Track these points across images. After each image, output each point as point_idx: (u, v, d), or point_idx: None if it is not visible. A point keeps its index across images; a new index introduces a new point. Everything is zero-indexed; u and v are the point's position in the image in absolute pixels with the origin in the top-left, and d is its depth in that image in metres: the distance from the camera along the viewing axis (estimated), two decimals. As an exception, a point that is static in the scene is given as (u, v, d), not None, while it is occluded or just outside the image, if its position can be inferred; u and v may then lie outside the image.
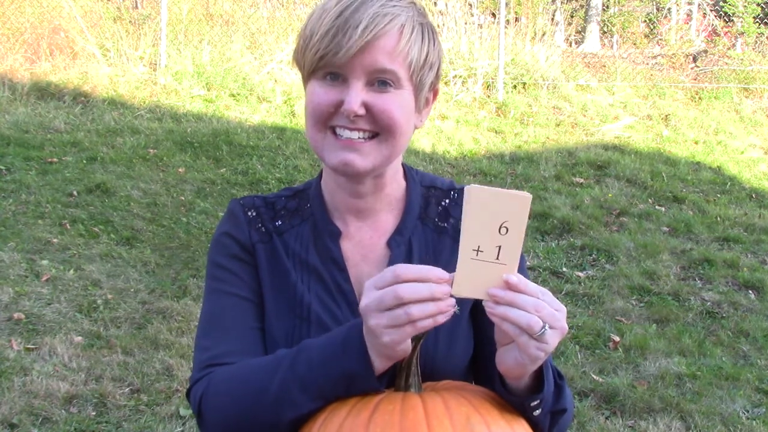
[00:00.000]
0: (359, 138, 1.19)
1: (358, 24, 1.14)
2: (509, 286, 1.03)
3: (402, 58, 1.18)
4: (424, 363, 1.17)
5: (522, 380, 1.12)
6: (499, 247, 1.03)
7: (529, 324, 1.01)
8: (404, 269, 1.03)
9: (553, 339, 1.04)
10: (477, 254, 1.03)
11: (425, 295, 1.02)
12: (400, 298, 1.01)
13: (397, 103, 1.19)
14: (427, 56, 1.21)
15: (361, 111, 1.17)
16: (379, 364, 1.09)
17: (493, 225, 1.02)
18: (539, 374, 1.14)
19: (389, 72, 1.17)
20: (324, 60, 1.17)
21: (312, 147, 1.25)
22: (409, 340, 1.08)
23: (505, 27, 9.66)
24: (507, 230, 1.02)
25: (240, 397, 1.15)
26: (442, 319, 1.04)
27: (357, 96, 1.17)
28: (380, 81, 1.18)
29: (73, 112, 7.24)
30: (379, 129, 1.20)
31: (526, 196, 1.01)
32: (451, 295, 1.04)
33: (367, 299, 1.04)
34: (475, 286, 1.04)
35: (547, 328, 1.02)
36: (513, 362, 1.07)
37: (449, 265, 1.26)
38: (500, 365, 1.11)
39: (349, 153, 1.19)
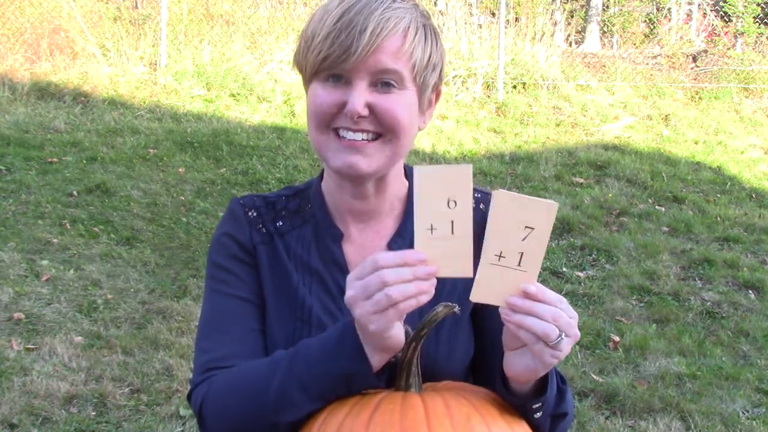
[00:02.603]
0: (363, 139, 1.19)
1: (365, 28, 1.13)
2: (528, 296, 1.03)
3: (406, 58, 1.17)
4: (424, 364, 1.17)
5: (528, 384, 1.13)
6: (522, 253, 1.02)
7: (546, 333, 1.01)
8: (383, 257, 1.02)
9: (567, 346, 1.04)
10: (499, 260, 1.03)
11: (408, 277, 1.01)
12: (384, 283, 1.01)
13: (400, 104, 1.19)
14: (430, 57, 1.21)
15: (365, 112, 1.17)
16: (376, 360, 1.09)
17: (518, 231, 1.02)
18: (543, 378, 1.13)
19: (393, 72, 1.17)
20: (327, 62, 1.16)
21: (315, 149, 1.24)
22: (401, 331, 1.07)
23: (505, 27, 9.66)
24: (531, 237, 1.02)
25: (240, 400, 1.15)
26: (425, 299, 1.03)
27: (360, 97, 1.16)
28: (384, 81, 1.17)
29: (73, 112, 7.24)
30: (383, 130, 1.19)
31: (552, 205, 1.01)
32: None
33: (351, 290, 1.04)
34: (494, 292, 1.04)
35: (563, 336, 1.02)
36: (523, 368, 1.07)
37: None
38: (509, 369, 1.10)
39: (352, 155, 1.18)
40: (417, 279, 1.02)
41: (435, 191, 1.01)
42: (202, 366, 1.23)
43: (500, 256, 1.02)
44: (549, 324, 1.02)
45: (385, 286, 1.01)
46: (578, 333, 1.05)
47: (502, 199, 1.01)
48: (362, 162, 1.19)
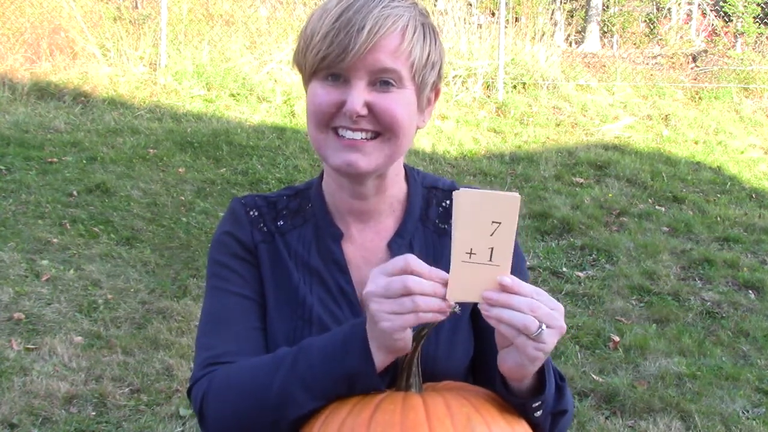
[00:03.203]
0: (362, 138, 1.19)
1: (363, 26, 1.13)
2: (503, 288, 1.03)
3: (405, 57, 1.18)
4: (424, 364, 1.17)
5: (524, 382, 1.13)
6: (492, 248, 1.03)
7: (525, 324, 1.02)
8: (416, 260, 1.04)
9: (551, 338, 1.04)
10: (470, 257, 1.03)
11: (429, 291, 1.03)
12: (408, 289, 1.02)
13: (399, 103, 1.19)
14: (429, 56, 1.21)
15: (364, 111, 1.17)
16: (380, 359, 1.09)
17: (484, 227, 1.02)
18: (541, 376, 1.13)
19: (392, 71, 1.17)
20: (326, 61, 1.16)
21: (314, 148, 1.24)
22: (410, 334, 1.08)
23: (505, 27, 9.66)
24: (498, 231, 1.03)
25: (241, 397, 1.15)
26: (440, 317, 1.05)
27: (359, 96, 1.16)
28: (382, 80, 1.17)
29: (73, 112, 7.24)
30: (382, 129, 1.19)
31: (514, 197, 1.02)
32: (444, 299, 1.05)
33: (373, 285, 1.05)
34: (470, 290, 1.04)
35: (544, 327, 1.02)
36: (513, 364, 1.07)
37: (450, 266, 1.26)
38: (501, 367, 1.11)
39: (351, 153, 1.19)
40: (435, 295, 1.03)
41: (478, 216, 1.02)
42: (203, 362, 1.23)
43: (471, 254, 1.03)
44: (527, 315, 1.02)
45: (407, 292, 1.02)
46: (563, 325, 1.05)
47: (464, 197, 1.02)
48: (361, 160, 1.19)
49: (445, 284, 1.04)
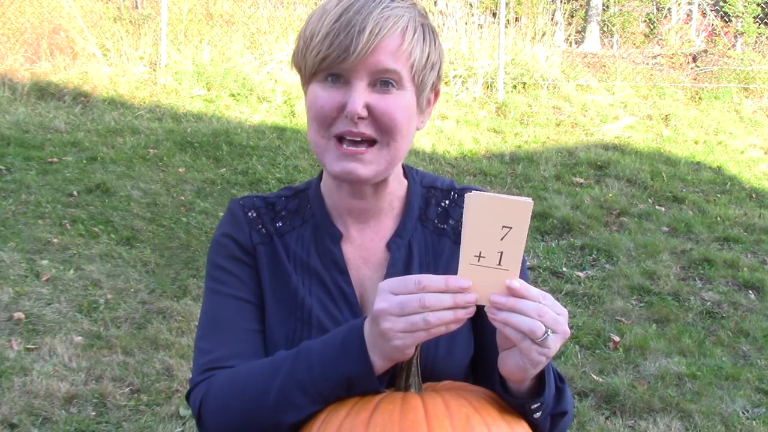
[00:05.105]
0: (361, 141, 1.18)
1: (364, 27, 1.13)
2: (512, 292, 1.03)
3: (405, 58, 1.17)
4: (424, 364, 1.17)
5: (523, 384, 1.12)
6: (501, 252, 1.03)
7: (532, 329, 1.01)
8: (428, 279, 1.03)
9: (555, 343, 1.04)
10: (479, 260, 1.03)
11: (449, 304, 1.02)
12: (424, 306, 1.02)
13: (399, 105, 1.18)
14: (428, 57, 1.21)
15: (364, 113, 1.16)
16: (380, 365, 1.09)
17: (495, 231, 1.02)
18: (540, 377, 1.14)
19: (392, 72, 1.17)
20: (326, 62, 1.16)
21: (314, 151, 1.24)
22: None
23: (505, 27, 9.66)
24: (509, 236, 1.02)
25: (240, 401, 1.15)
26: (454, 326, 1.04)
27: (360, 97, 1.16)
28: (383, 81, 1.17)
29: (73, 112, 7.23)
30: (381, 132, 1.19)
31: (527, 202, 1.01)
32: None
33: (385, 303, 1.04)
34: (477, 292, 1.04)
35: (549, 333, 1.02)
36: (514, 366, 1.07)
37: (449, 266, 1.26)
38: (502, 369, 1.11)
39: (351, 162, 1.18)
40: (456, 307, 1.03)
41: (488, 220, 1.02)
42: (202, 366, 1.23)
43: (480, 257, 1.03)
44: (534, 320, 1.02)
45: (425, 310, 1.01)
46: (567, 330, 1.05)
47: (476, 201, 1.01)
48: (360, 168, 1.19)
49: (464, 291, 1.03)
